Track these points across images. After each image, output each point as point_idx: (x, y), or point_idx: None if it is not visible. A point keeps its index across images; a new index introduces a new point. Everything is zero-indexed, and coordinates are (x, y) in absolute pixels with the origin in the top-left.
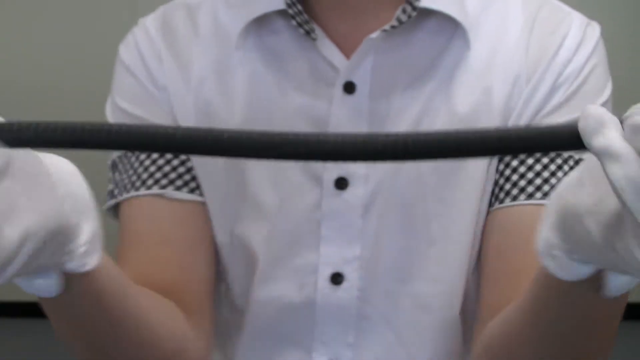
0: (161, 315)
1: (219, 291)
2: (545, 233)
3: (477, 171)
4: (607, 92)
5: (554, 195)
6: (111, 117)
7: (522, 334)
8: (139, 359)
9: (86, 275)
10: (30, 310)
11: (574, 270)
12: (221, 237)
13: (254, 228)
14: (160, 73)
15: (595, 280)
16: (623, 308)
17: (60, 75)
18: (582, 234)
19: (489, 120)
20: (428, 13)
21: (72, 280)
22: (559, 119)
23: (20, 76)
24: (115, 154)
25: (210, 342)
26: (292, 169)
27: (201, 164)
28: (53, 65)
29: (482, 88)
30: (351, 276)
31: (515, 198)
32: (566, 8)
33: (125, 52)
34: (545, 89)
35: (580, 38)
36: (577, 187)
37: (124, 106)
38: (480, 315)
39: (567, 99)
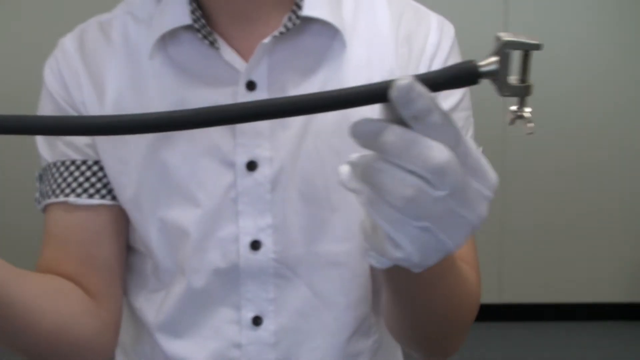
0: (44, 292)
1: (145, 270)
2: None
3: None
4: None
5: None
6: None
7: (392, 307)
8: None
9: None
10: None
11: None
12: (149, 224)
13: (182, 211)
14: (77, 90)
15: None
16: (437, 284)
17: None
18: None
19: (372, 110)
20: (311, 20)
21: None
22: None
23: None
24: (40, 167)
25: (118, 315)
26: (206, 157)
27: (118, 168)
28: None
29: (364, 81)
30: (267, 241)
31: None
32: (424, 8)
33: (49, 74)
34: None
35: (440, 35)
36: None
37: None
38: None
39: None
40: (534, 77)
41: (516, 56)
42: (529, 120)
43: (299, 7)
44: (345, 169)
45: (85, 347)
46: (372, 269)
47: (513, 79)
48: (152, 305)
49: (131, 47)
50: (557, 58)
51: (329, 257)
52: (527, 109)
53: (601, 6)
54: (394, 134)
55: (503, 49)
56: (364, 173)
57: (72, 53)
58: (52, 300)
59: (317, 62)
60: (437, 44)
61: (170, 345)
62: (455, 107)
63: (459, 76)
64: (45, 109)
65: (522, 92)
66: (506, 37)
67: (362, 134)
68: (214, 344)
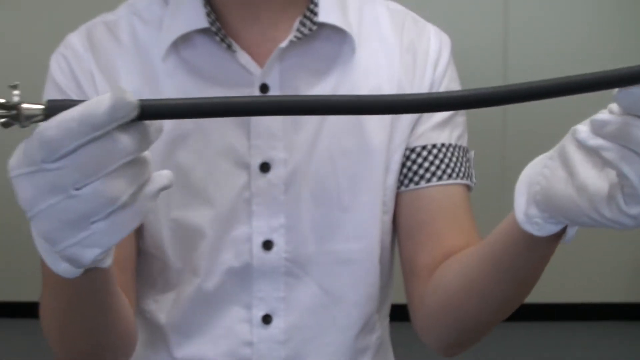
0: (127, 307)
1: (152, 272)
2: (522, 208)
3: (380, 150)
4: (459, 86)
5: (522, 178)
6: None
7: (484, 280)
8: (108, 342)
9: (100, 269)
10: (30, 310)
11: (549, 230)
12: (162, 225)
13: (197, 211)
14: (92, 88)
15: (558, 233)
16: (544, 260)
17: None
18: (565, 203)
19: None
20: (323, 25)
21: (88, 270)
22: (438, 118)
23: None
24: None
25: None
26: (221, 158)
27: None
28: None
29: (373, 85)
30: (279, 241)
31: (428, 180)
32: (421, 19)
33: (57, 69)
34: (426, 87)
35: (440, 43)
36: (548, 170)
37: None
38: (420, 273)
39: None
40: (533, 77)
41: None
42: None
43: (312, 12)
44: (583, 128)
45: (127, 343)
46: (382, 267)
47: None
48: (162, 307)
49: (141, 48)
50: (557, 58)
51: (339, 255)
52: None
53: (601, 6)
54: None
55: None
56: (619, 130)
57: (83, 52)
58: (122, 294)
59: (328, 66)
60: (438, 51)
61: (182, 345)
62: (457, 112)
63: None
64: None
65: None
66: None
67: (631, 98)
68: (226, 342)
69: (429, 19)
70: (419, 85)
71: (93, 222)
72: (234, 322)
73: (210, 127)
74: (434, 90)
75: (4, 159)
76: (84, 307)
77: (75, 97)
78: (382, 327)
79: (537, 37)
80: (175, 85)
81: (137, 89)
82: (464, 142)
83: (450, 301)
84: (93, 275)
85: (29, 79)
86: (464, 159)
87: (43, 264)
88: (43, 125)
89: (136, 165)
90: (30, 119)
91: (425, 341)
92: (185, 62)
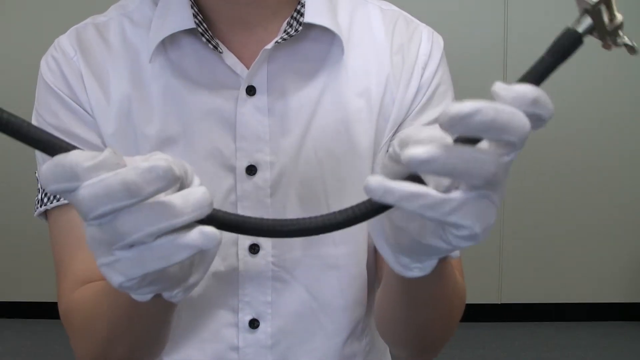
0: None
1: None
2: (392, 259)
3: (367, 154)
4: (451, 88)
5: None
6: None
7: (398, 305)
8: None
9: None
10: (31, 310)
11: (431, 265)
12: None
13: None
14: (82, 90)
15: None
16: (445, 289)
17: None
18: (405, 241)
19: (370, 117)
20: (310, 26)
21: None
22: (427, 119)
23: None
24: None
25: None
26: (207, 161)
27: None
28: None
29: (362, 88)
30: (265, 245)
31: None
32: (415, 20)
33: (47, 71)
34: (414, 90)
35: (431, 45)
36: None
37: (52, 122)
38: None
39: (429, 99)
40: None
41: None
42: (630, 42)
43: (300, 13)
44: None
45: (162, 347)
46: (369, 271)
47: (607, 23)
48: None
49: (130, 49)
50: None
51: (327, 260)
52: (626, 37)
53: None
54: (492, 110)
55: (595, 7)
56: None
57: (73, 55)
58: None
59: (316, 68)
60: (428, 54)
61: (169, 349)
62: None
63: (565, 47)
64: (46, 101)
65: (620, 27)
66: None
67: (454, 117)
68: (212, 346)
69: (428, 19)
70: (406, 88)
71: (116, 249)
72: (220, 326)
73: (197, 130)
74: (421, 93)
75: (7, 161)
76: (141, 320)
77: (67, 98)
78: (372, 332)
79: (537, 38)
80: (161, 87)
81: (125, 92)
82: None
83: (380, 322)
84: (158, 301)
85: (24, 83)
86: None
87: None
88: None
89: (160, 207)
90: None
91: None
92: (172, 64)
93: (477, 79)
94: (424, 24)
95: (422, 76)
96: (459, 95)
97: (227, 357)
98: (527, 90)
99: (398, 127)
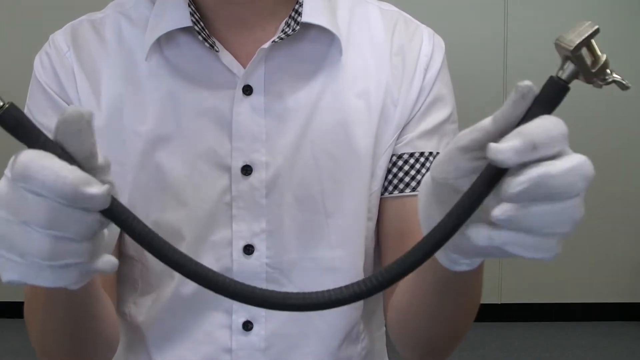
0: (109, 310)
1: (132, 274)
2: (442, 254)
3: (366, 156)
4: (452, 91)
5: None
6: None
7: (428, 301)
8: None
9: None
10: None
11: (456, 264)
12: None
13: (176, 214)
14: (72, 87)
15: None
16: (478, 283)
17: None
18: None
19: (369, 118)
20: (308, 26)
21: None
22: (426, 125)
23: None
24: None
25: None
26: (202, 160)
27: (114, 169)
28: None
29: (361, 89)
30: (260, 246)
31: (414, 189)
32: (415, 21)
33: (39, 68)
34: (416, 91)
35: (432, 46)
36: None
37: (42, 120)
38: (393, 286)
39: (432, 101)
40: (533, 79)
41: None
42: (621, 79)
43: (298, 13)
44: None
45: (109, 346)
46: (366, 274)
47: (590, 65)
48: (142, 310)
49: (125, 46)
50: (557, 58)
51: (322, 262)
52: (615, 74)
53: (600, 5)
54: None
55: (574, 53)
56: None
57: (66, 51)
58: (105, 295)
59: (315, 68)
60: (430, 55)
61: (162, 349)
62: (447, 119)
63: (550, 97)
64: (37, 99)
65: (605, 66)
66: (573, 42)
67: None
68: (205, 348)
69: (428, 19)
70: (407, 90)
71: (6, 251)
72: (213, 328)
73: (192, 128)
74: (424, 94)
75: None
76: (63, 311)
77: (56, 96)
78: (370, 337)
79: (537, 37)
80: (157, 85)
81: (118, 90)
82: None
83: (403, 318)
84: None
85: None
86: None
87: None
88: (32, 154)
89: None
90: None
91: (399, 352)
92: (168, 62)
93: (477, 78)
94: (424, 25)
95: (424, 78)
96: (459, 96)
97: (219, 359)
98: (523, 144)
99: (402, 130)
